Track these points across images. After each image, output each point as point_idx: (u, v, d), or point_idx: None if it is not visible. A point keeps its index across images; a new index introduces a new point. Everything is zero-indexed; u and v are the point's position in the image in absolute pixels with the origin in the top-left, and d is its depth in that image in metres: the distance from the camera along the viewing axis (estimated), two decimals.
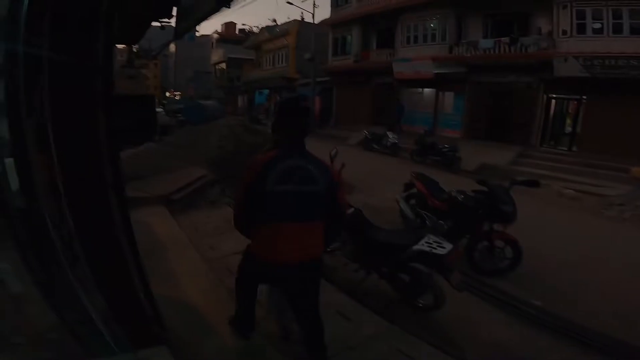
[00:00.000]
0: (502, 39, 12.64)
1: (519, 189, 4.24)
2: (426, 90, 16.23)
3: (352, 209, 3.43)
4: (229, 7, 3.55)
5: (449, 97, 15.49)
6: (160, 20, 3.59)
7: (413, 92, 16.80)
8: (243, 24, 43.72)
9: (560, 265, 4.25)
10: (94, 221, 1.17)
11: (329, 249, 4.12)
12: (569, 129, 12.51)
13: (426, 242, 2.89)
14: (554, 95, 12.48)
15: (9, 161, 1.07)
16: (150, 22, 3.56)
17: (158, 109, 19.82)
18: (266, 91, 28.31)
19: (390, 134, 12.85)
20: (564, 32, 11.11)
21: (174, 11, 3.52)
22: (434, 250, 2.83)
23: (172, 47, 40.48)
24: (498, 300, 3.48)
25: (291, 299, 2.02)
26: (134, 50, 15.04)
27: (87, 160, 1.14)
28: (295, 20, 24.99)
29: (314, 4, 20.36)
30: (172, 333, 2.03)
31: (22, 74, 0.89)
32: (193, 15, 3.24)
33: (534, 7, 12.16)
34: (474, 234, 4.12)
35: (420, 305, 3.12)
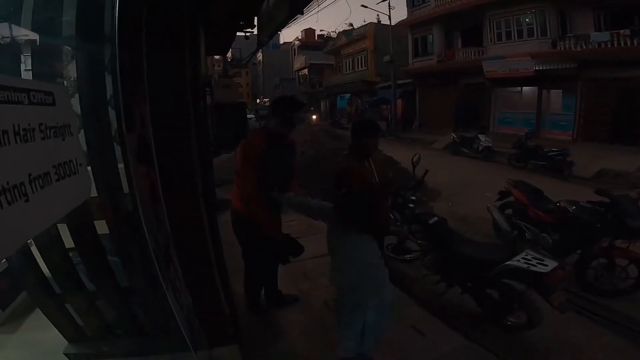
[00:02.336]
0: (622, 31, 11.07)
1: None
2: (526, 89, 14.63)
3: (435, 218, 3.19)
4: (302, 14, 3.65)
5: (555, 96, 13.69)
6: (245, 30, 3.85)
7: (509, 91, 15.28)
8: (321, 30, 44.66)
9: None
10: (186, 226, 1.27)
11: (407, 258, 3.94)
12: None
13: (523, 259, 2.56)
14: None
15: (120, 167, 1.21)
16: (236, 33, 3.83)
17: (249, 115, 21.64)
18: (347, 95, 28.56)
19: (482, 137, 11.78)
20: None
21: (255, 21, 3.75)
22: (532, 268, 2.49)
23: (260, 55, 43.36)
24: (612, 323, 2.97)
25: None
26: (228, 60, 16.61)
27: (181, 171, 1.24)
28: (371, 23, 24.72)
29: (390, 6, 19.86)
30: (246, 332, 2.10)
31: (124, 92, 1.00)
32: (271, 24, 3.39)
33: None
34: (587, 251, 3.55)
35: (510, 324, 2.80)
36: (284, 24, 3.98)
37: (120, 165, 1.25)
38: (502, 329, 2.81)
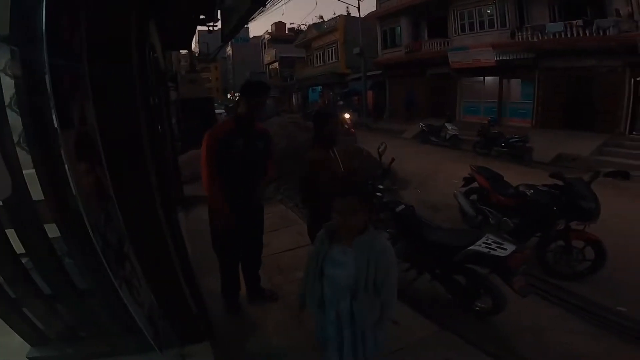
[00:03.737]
0: (574, 22, 11.59)
1: (603, 182, 3.75)
2: (488, 78, 15.19)
3: (402, 206, 3.26)
4: (265, 6, 3.58)
5: (515, 85, 14.32)
6: (207, 24, 3.74)
7: (473, 81, 15.81)
8: (291, 23, 44.17)
9: None
10: (140, 223, 1.24)
11: None
12: None
13: (484, 243, 2.65)
14: None
15: (66, 167, 1.16)
16: (195, 26, 3.70)
17: (219, 110, 21.13)
18: (319, 88, 28.55)
19: (449, 125, 12.16)
20: None
21: (219, 15, 3.64)
22: (492, 252, 2.58)
23: (230, 49, 42.28)
24: (572, 306, 3.13)
25: None
26: (195, 54, 16.16)
27: (131, 167, 1.20)
28: (341, 16, 24.84)
29: None
30: (217, 329, 2.09)
31: (64, 85, 0.95)
32: (234, 17, 3.31)
33: None
34: (546, 233, 3.72)
35: (477, 309, 2.88)
36: (247, 16, 3.90)
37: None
38: (471, 314, 2.87)
